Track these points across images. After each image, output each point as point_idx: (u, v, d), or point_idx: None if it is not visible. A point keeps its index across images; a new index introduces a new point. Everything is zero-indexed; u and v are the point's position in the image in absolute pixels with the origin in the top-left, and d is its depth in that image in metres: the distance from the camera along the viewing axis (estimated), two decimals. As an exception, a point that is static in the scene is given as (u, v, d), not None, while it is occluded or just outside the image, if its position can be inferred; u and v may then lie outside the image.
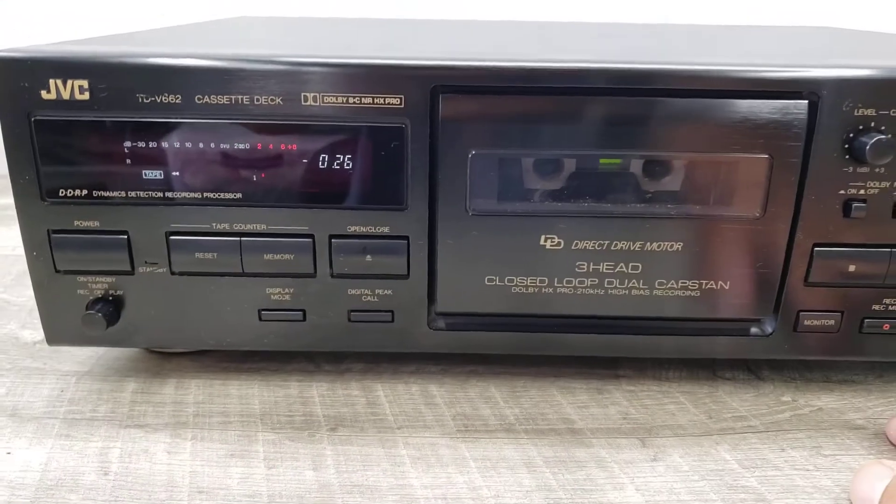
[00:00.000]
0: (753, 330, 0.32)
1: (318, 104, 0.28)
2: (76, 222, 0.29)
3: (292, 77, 0.28)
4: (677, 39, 0.44)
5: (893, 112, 0.28)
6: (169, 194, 0.29)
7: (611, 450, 0.29)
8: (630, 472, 0.28)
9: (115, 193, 0.29)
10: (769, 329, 0.32)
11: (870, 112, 0.28)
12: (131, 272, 0.30)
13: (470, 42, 0.40)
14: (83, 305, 0.31)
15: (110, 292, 0.31)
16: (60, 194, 0.29)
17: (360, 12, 0.66)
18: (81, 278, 0.31)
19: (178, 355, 0.36)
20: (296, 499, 0.26)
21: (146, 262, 0.30)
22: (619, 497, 0.26)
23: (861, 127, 0.28)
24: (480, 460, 0.28)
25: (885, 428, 0.30)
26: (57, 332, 0.32)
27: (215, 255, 0.30)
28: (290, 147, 0.29)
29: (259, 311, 0.31)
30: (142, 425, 0.30)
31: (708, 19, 0.67)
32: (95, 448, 0.29)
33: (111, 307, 0.31)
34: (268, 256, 0.30)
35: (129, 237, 0.30)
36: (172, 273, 0.31)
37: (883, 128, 0.28)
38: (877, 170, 0.29)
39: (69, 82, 0.27)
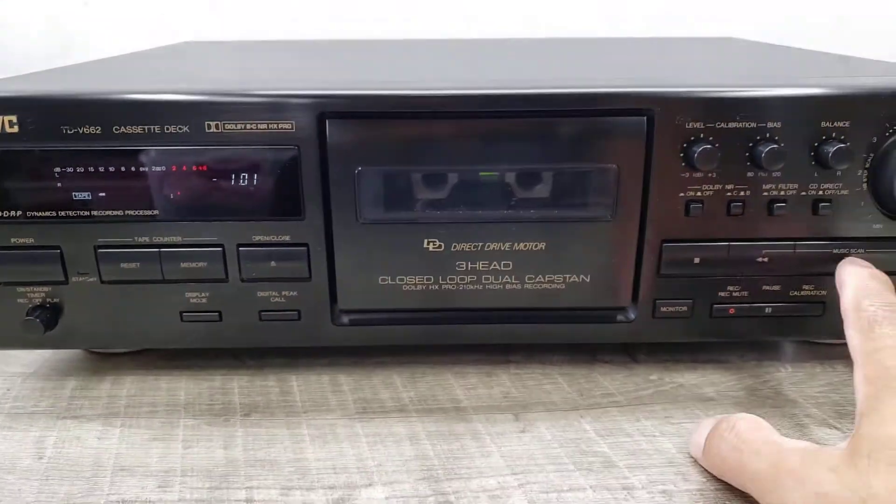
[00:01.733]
0: (619, 317, 0.36)
1: (219, 131, 0.32)
2: (13, 239, 0.33)
3: (195, 109, 0.32)
4: (555, 58, 0.48)
5: (719, 125, 0.33)
6: (95, 213, 0.33)
7: (487, 424, 0.33)
8: (499, 441, 0.32)
9: (47, 213, 0.33)
10: (632, 316, 0.36)
11: (699, 125, 0.33)
12: (65, 282, 0.34)
13: (358, 67, 0.45)
14: (23, 312, 0.35)
15: (47, 300, 0.35)
16: (-2, 215, 0.33)
17: (322, 31, 0.70)
18: (21, 289, 0.35)
19: (116, 355, 0.40)
20: (205, 472, 0.30)
21: (78, 273, 0.34)
22: (485, 463, 0.30)
23: (692, 138, 0.33)
24: (371, 436, 0.32)
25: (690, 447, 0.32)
26: (1, 338, 0.36)
27: (138, 264, 0.34)
28: (199, 168, 0.33)
29: (181, 312, 0.35)
30: (77, 416, 0.34)
31: (613, 29, 0.71)
32: (33, 437, 0.32)
33: (49, 313, 0.35)
34: (184, 265, 0.34)
35: (61, 251, 0.34)
36: (102, 282, 0.34)
37: (711, 138, 0.33)
38: (709, 175, 0.33)
39: (0, 118, 0.31)
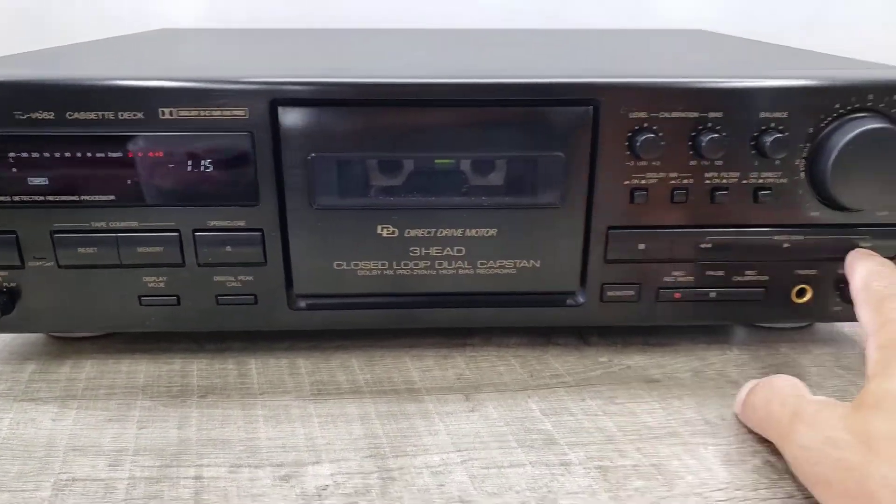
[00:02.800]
0: (569, 301, 0.37)
1: (174, 117, 0.32)
2: (-32, 224, 0.34)
3: (148, 95, 0.32)
4: (512, 48, 0.49)
5: (662, 114, 0.34)
6: (51, 198, 0.34)
7: (437, 404, 0.34)
8: (447, 420, 0.33)
9: (3, 198, 0.33)
10: (581, 300, 0.37)
11: (643, 115, 0.34)
12: (22, 266, 0.35)
13: (313, 55, 0.45)
14: (-20, 297, 0.35)
15: (4, 284, 0.35)
16: (-48, 200, 0.33)
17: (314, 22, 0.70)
18: (-23, 273, 0.35)
19: (79, 340, 0.40)
20: (157, 451, 0.31)
21: (35, 258, 0.35)
22: (431, 441, 0.31)
23: (636, 127, 0.34)
24: (324, 416, 0.33)
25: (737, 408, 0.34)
26: (-42, 321, 0.36)
27: (95, 249, 0.34)
28: (155, 154, 0.33)
29: (139, 297, 0.36)
30: (34, 399, 0.35)
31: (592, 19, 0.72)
32: (-10, 418, 0.33)
33: (5, 298, 0.35)
34: (141, 249, 0.35)
35: (17, 236, 0.34)
36: (59, 266, 0.35)
37: (655, 127, 0.34)
38: (653, 163, 0.34)
39: (-48, 103, 0.32)
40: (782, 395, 0.30)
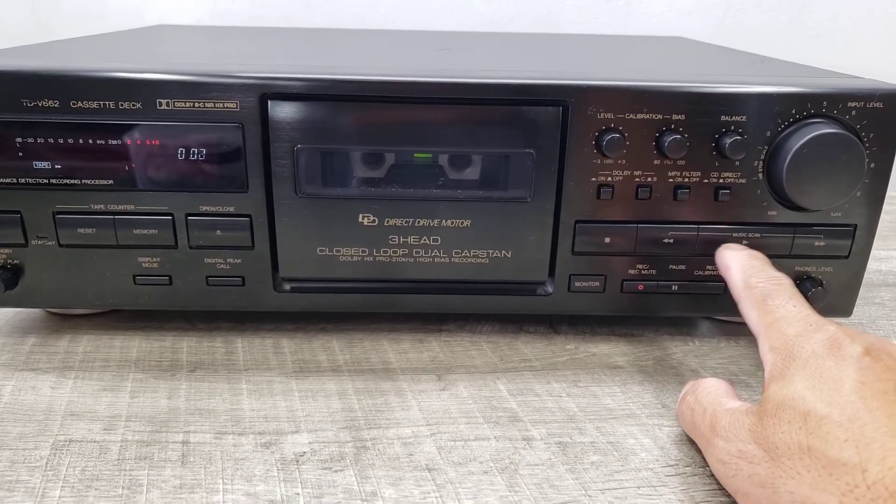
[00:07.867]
0: (539, 290, 0.40)
1: (170, 108, 0.35)
2: (-25, 204, 0.36)
3: (147, 87, 0.34)
4: (495, 50, 0.51)
5: (628, 116, 0.36)
6: (54, 181, 0.36)
7: (411, 383, 0.37)
8: (420, 398, 0.35)
9: (9, 180, 0.36)
10: (550, 290, 0.39)
11: (609, 116, 0.36)
12: (25, 245, 0.37)
13: (302, 52, 0.48)
14: (-15, 272, 0.37)
15: (8, 262, 0.37)
16: (-39, 181, 0.36)
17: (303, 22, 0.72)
18: (-18, 250, 0.37)
19: (76, 316, 0.42)
20: (148, 418, 0.33)
21: (37, 237, 0.37)
22: (404, 415, 0.34)
23: (604, 127, 0.36)
24: (304, 391, 0.36)
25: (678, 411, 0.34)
26: (-36, 295, 0.38)
27: (94, 230, 0.37)
28: (152, 142, 0.36)
29: (134, 276, 0.38)
30: (34, 369, 0.37)
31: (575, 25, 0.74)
32: (-7, 385, 0.35)
33: (9, 274, 0.37)
34: (137, 231, 0.37)
35: (21, 216, 0.36)
36: (60, 245, 0.37)
37: (621, 128, 0.36)
38: (618, 161, 0.36)
39: (-37, 90, 0.34)
40: (703, 404, 0.31)
